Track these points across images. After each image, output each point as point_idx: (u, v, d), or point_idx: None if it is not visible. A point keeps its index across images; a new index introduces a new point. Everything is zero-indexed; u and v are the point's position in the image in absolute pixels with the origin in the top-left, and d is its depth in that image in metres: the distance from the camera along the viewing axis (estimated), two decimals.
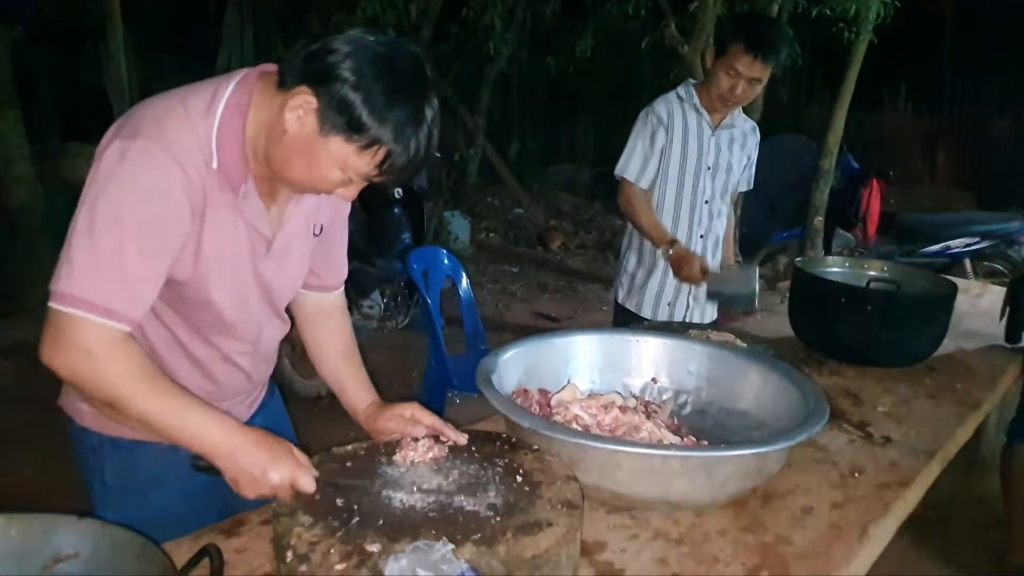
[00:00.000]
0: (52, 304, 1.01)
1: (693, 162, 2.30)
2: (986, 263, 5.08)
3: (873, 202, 5.43)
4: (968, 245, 4.96)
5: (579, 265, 6.91)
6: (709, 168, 2.33)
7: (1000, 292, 2.94)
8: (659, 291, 2.39)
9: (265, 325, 1.29)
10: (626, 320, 2.39)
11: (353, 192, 1.13)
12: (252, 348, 1.28)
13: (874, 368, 1.93)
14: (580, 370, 1.58)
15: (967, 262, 5.02)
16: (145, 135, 1.01)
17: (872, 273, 2.18)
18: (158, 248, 1.03)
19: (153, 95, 1.09)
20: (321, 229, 1.29)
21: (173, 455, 1.14)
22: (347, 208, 1.34)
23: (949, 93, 10.59)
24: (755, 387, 1.48)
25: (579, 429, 1.21)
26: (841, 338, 1.95)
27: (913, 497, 1.37)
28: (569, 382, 1.51)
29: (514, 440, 1.19)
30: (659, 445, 1.18)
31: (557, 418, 1.24)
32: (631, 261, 2.43)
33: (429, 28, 7.33)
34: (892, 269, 2.19)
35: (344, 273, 1.41)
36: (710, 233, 2.41)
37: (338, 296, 1.43)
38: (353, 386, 1.40)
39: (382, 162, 1.03)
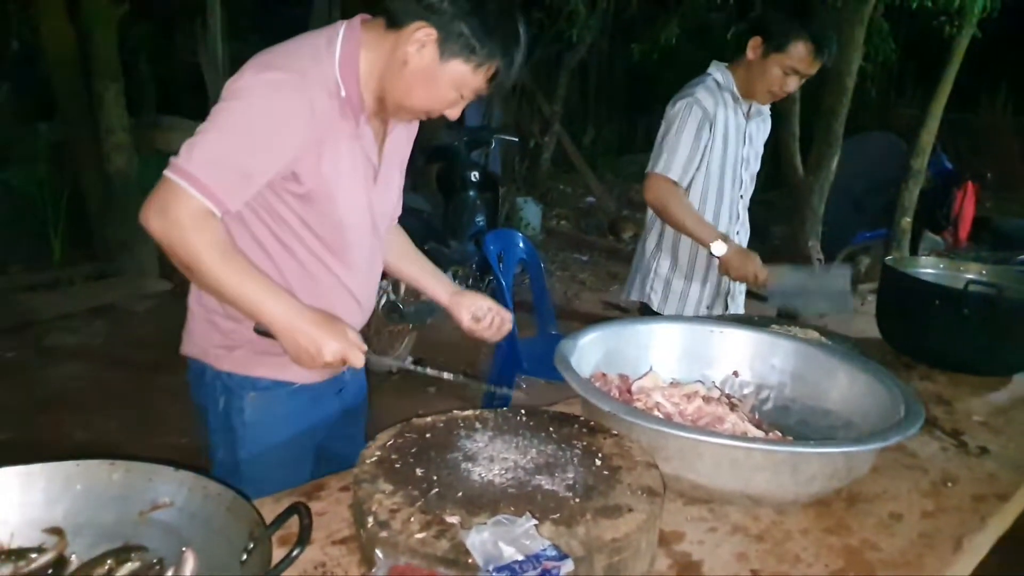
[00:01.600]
0: (166, 172, 1.15)
1: (733, 155, 2.20)
2: None
3: (967, 205, 5.15)
4: None
5: None
6: (743, 159, 2.24)
7: None
8: (699, 297, 2.29)
9: (375, 251, 1.46)
10: None
11: (459, 110, 1.30)
12: (364, 277, 1.44)
13: (968, 375, 1.83)
14: (660, 358, 1.55)
15: None
16: (279, 67, 1.19)
17: (970, 275, 2.06)
18: (265, 159, 1.19)
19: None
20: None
21: (304, 393, 1.40)
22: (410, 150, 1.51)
23: None
24: (842, 386, 1.42)
25: (660, 416, 1.19)
26: (934, 342, 1.86)
27: (1012, 512, 1.29)
28: (651, 369, 1.49)
29: (592, 423, 1.17)
30: (743, 437, 1.15)
31: (638, 404, 1.22)
32: (664, 265, 2.29)
33: None
34: (991, 272, 2.07)
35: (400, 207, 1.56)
36: (743, 228, 2.34)
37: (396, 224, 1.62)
38: (431, 281, 1.64)
39: (492, 77, 1.23)
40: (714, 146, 2.18)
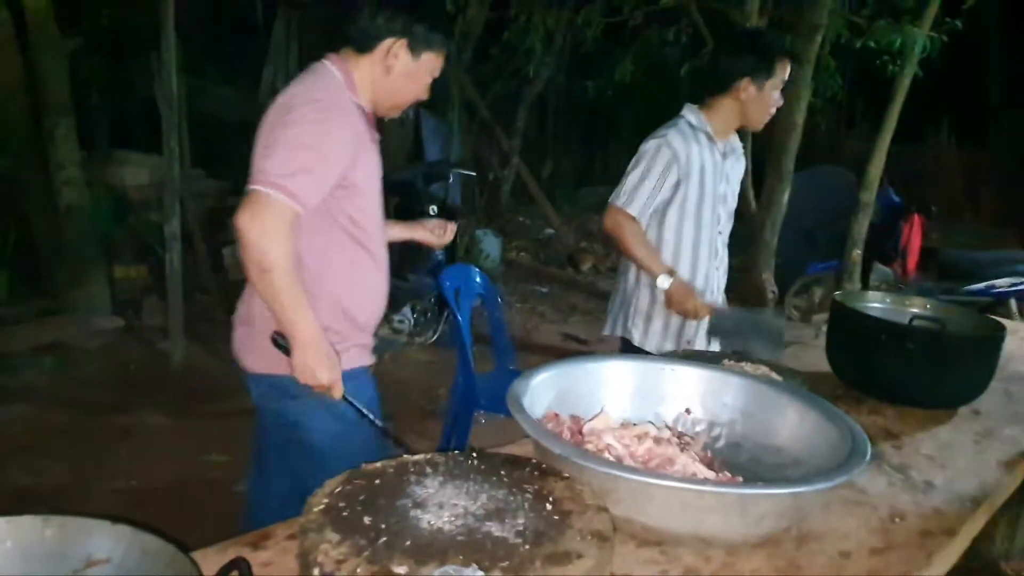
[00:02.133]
0: (253, 185, 1.48)
1: (710, 193, 2.26)
2: None
3: (914, 237, 5.32)
4: (1014, 285, 4.83)
5: (609, 287, 6.85)
6: (722, 196, 2.31)
7: None
8: (680, 331, 2.32)
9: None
10: None
11: (426, 91, 1.75)
12: (385, 261, 1.81)
13: (915, 409, 1.88)
14: (613, 397, 1.55)
15: (1012, 302, 4.88)
16: (319, 98, 1.56)
17: (915, 310, 2.12)
18: (331, 166, 1.55)
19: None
20: None
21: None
22: None
23: (994, 127, 10.40)
24: (792, 423, 1.44)
25: (611, 459, 1.19)
26: (881, 376, 1.90)
27: (958, 547, 1.32)
28: (602, 410, 1.49)
29: (544, 466, 1.17)
30: (693, 479, 1.15)
31: (589, 446, 1.22)
32: (643, 299, 2.33)
33: (470, 50, 7.42)
34: (935, 307, 2.13)
35: None
36: (722, 264, 2.40)
37: None
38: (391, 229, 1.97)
39: (447, 55, 1.71)
40: (690, 185, 2.24)
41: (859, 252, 4.77)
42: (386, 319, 3.72)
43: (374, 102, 1.69)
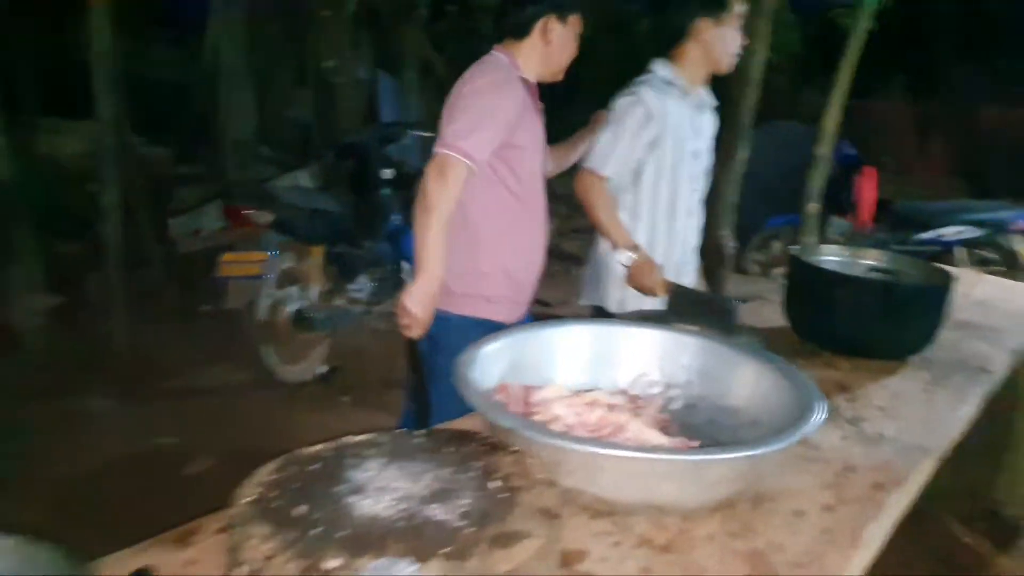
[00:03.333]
0: (436, 149, 1.82)
1: (688, 150, 2.20)
2: (978, 251, 5.04)
3: (868, 189, 5.37)
4: (960, 233, 4.92)
5: (573, 249, 6.81)
6: (696, 153, 2.25)
7: (994, 282, 2.90)
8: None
9: (545, 202, 2.18)
10: None
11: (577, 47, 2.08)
12: (544, 221, 2.17)
13: (869, 361, 1.88)
14: (567, 363, 1.51)
15: (959, 250, 4.98)
16: (493, 75, 1.90)
17: (869, 262, 2.12)
18: (498, 125, 1.86)
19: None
20: None
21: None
22: None
23: (944, 81, 10.53)
24: (748, 383, 1.42)
25: (562, 429, 1.15)
26: (836, 329, 1.90)
27: (907, 496, 1.32)
28: (554, 378, 1.46)
29: (493, 441, 1.13)
30: (645, 447, 1.12)
31: (538, 417, 1.18)
32: (618, 265, 2.23)
33: (426, 6, 7.19)
34: (888, 259, 2.13)
35: None
36: (697, 222, 2.36)
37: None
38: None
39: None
40: (666, 142, 2.16)
41: (816, 205, 4.79)
42: (342, 290, 3.64)
43: (540, 74, 2.04)
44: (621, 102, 2.14)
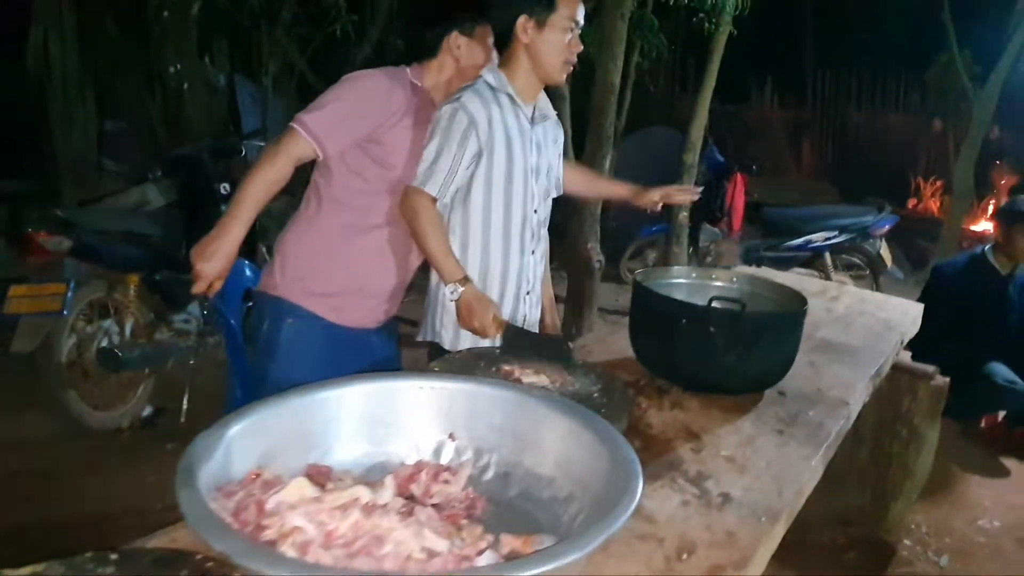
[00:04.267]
0: (292, 123, 1.83)
1: (519, 165, 1.95)
2: (844, 256, 5.13)
3: (738, 195, 5.38)
4: (828, 239, 4.98)
5: None
6: (534, 170, 2.00)
7: (855, 294, 2.84)
8: None
9: None
10: None
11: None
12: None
13: (720, 397, 1.70)
14: (351, 432, 1.23)
15: (827, 255, 5.04)
16: (368, 76, 1.93)
17: (719, 284, 1.95)
18: (354, 120, 1.85)
19: None
20: None
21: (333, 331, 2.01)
22: None
23: (811, 86, 10.98)
24: (560, 446, 1.17)
25: (297, 547, 0.86)
26: (684, 364, 1.70)
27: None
28: (333, 452, 1.17)
29: (209, 565, 0.83)
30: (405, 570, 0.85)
31: (270, 532, 0.88)
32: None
33: (290, 11, 6.75)
34: (741, 279, 1.97)
35: None
36: (539, 248, 2.10)
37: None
38: (611, 187, 2.65)
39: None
40: (495, 156, 1.91)
41: (685, 215, 4.72)
42: (167, 321, 3.20)
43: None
44: (443, 111, 1.88)
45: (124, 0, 5.91)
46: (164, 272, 3.16)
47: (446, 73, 2.01)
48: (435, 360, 1.71)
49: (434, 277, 2.02)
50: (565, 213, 3.79)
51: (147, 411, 3.18)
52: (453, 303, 1.86)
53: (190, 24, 5.69)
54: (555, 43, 1.88)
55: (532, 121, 2.00)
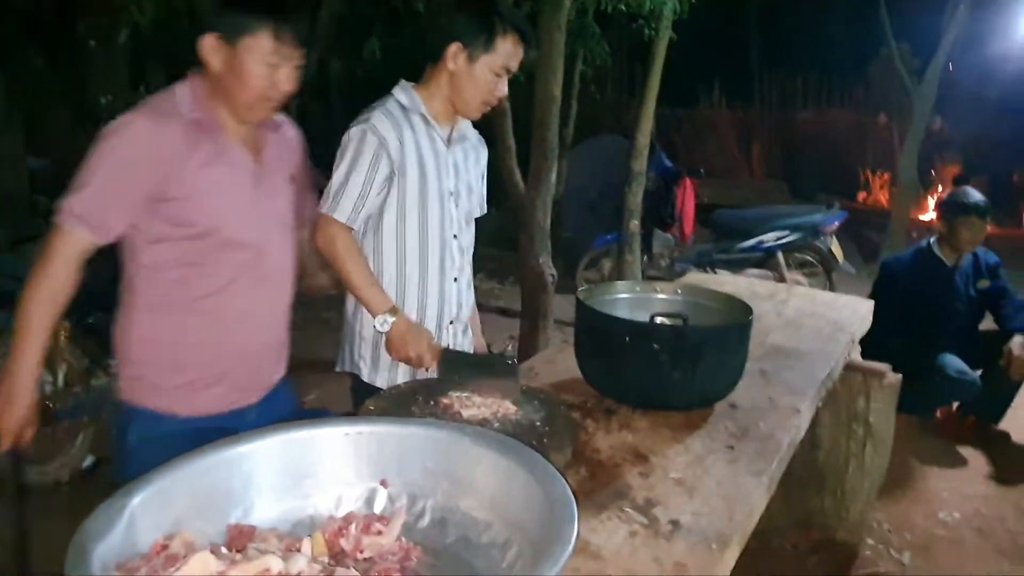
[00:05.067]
0: (55, 215, 1.47)
1: (434, 188, 1.88)
2: (797, 254, 5.18)
3: (687, 200, 5.40)
4: (779, 239, 5.02)
5: None
6: (452, 193, 1.93)
7: (805, 294, 2.83)
8: None
9: None
10: None
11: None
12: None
13: (669, 414, 1.65)
14: (273, 486, 1.14)
15: (779, 255, 5.08)
16: (121, 122, 1.52)
17: (663, 296, 1.91)
18: (120, 183, 1.49)
19: None
20: None
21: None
22: None
23: (758, 88, 11.16)
24: (494, 487, 1.11)
25: None
26: (628, 382, 1.65)
27: None
28: (254, 509, 1.09)
29: None
30: None
31: None
32: (367, 325, 1.89)
33: None
34: (684, 291, 1.93)
35: None
36: (463, 275, 2.03)
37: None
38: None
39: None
40: (407, 178, 1.83)
41: (636, 223, 4.71)
42: (103, 366, 3.06)
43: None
44: (352, 131, 1.81)
45: (49, 32, 5.72)
46: (97, 315, 3.02)
47: (219, 91, 1.60)
48: (365, 397, 1.63)
49: (350, 304, 1.95)
50: (516, 227, 3.75)
51: (88, 461, 3.03)
52: (383, 335, 1.79)
53: (119, 53, 5.52)
54: (480, 82, 1.81)
55: (448, 142, 1.93)
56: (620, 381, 1.67)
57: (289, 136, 1.75)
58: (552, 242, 3.83)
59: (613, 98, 10.30)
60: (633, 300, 1.90)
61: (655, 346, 1.59)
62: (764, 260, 5.10)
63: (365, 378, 1.93)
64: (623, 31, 5.83)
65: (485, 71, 1.81)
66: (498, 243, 5.41)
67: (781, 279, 4.80)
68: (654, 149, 5.24)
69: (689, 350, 1.59)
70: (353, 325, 1.94)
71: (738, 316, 1.76)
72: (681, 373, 1.60)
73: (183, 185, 1.50)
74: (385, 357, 1.90)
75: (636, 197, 4.63)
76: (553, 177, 3.65)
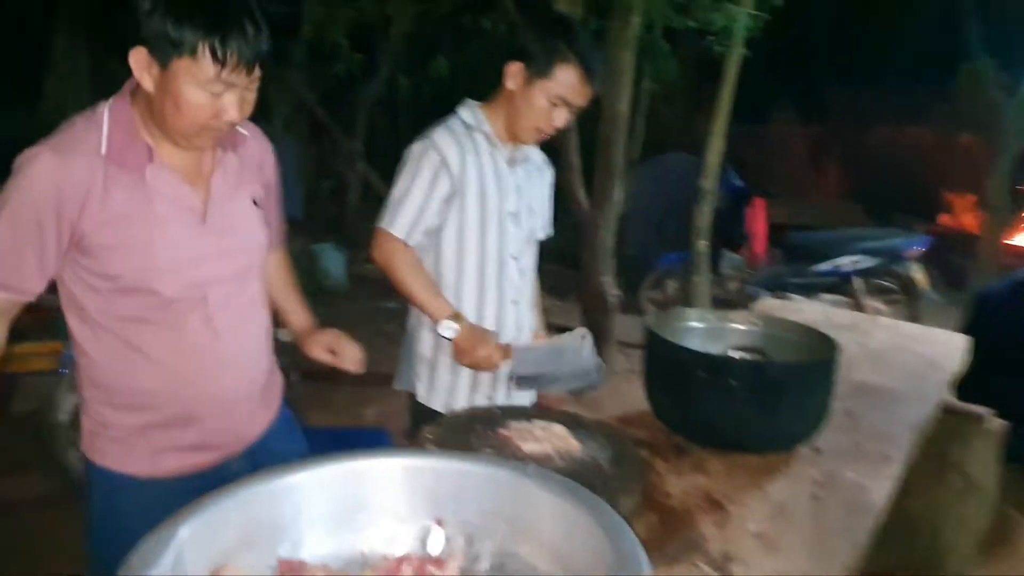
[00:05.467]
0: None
1: (494, 209, 1.82)
2: (875, 280, 4.92)
3: (758, 220, 5.21)
4: (857, 263, 4.78)
5: None
6: (512, 214, 1.86)
7: (890, 326, 2.64)
8: (472, 383, 1.88)
9: None
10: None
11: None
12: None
13: (745, 456, 1.53)
14: (324, 520, 1.08)
15: (857, 280, 4.84)
16: (22, 160, 1.25)
17: (738, 326, 1.79)
18: (35, 243, 1.26)
19: None
20: None
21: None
22: None
23: (831, 105, 10.79)
24: (557, 535, 1.02)
25: None
26: (702, 420, 1.54)
27: None
28: (302, 546, 1.03)
29: None
30: None
31: None
32: (425, 343, 1.87)
33: (301, 52, 6.81)
34: (761, 321, 1.80)
35: None
36: (523, 296, 1.96)
37: None
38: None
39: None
40: (467, 197, 1.78)
41: (705, 242, 4.55)
42: None
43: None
44: (414, 147, 1.78)
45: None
46: None
47: (153, 110, 1.32)
48: (421, 417, 1.57)
49: (412, 320, 1.90)
50: (577, 243, 3.66)
51: None
52: (439, 354, 1.74)
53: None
54: (535, 107, 1.74)
55: (511, 162, 1.87)
56: (692, 418, 1.56)
57: (252, 152, 1.47)
58: (615, 260, 3.74)
59: (680, 115, 10.11)
60: (707, 330, 1.78)
61: (732, 382, 1.47)
62: (839, 285, 4.86)
63: (421, 398, 1.89)
64: (692, 46, 5.71)
65: (540, 97, 1.74)
66: (559, 259, 5.34)
67: (857, 306, 4.56)
68: (724, 167, 5.08)
69: (769, 388, 1.47)
70: (412, 343, 1.90)
71: (821, 351, 1.63)
72: (760, 413, 1.48)
73: (101, 232, 1.25)
74: (442, 378, 1.85)
75: (705, 216, 4.48)
76: (618, 195, 3.55)
